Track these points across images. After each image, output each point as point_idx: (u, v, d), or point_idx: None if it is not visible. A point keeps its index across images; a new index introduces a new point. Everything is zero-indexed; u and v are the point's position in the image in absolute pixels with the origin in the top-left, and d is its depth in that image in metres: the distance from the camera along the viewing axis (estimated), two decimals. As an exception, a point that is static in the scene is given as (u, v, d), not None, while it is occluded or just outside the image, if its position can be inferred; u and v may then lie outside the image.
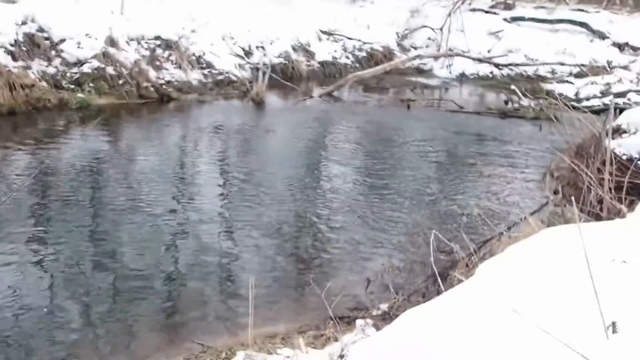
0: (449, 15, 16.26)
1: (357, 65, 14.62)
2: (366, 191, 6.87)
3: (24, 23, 9.87)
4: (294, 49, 13.82)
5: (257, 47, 13.19)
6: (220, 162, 7.66)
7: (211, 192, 6.54)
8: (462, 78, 15.13)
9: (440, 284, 3.85)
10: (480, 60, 15.34)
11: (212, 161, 7.62)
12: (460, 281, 3.38)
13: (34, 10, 10.03)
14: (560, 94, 11.82)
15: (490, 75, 15.23)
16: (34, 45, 9.80)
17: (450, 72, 15.39)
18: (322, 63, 14.20)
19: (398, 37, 16.60)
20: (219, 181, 6.90)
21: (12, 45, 9.43)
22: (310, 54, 14.20)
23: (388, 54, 15.31)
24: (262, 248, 5.28)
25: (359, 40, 15.32)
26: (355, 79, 12.75)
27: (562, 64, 15.34)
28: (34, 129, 8.36)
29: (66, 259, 4.77)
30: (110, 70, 10.11)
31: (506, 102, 12.00)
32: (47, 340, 3.76)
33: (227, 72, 11.89)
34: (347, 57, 14.88)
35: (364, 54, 15.13)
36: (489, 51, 16.14)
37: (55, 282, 4.46)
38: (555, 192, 5.32)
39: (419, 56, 15.09)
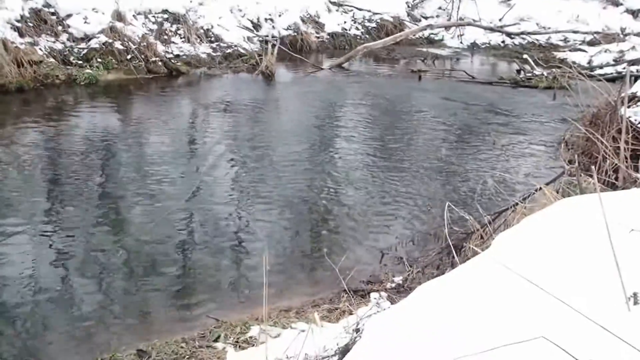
0: (460, -17, 15.94)
1: (367, 36, 14.42)
2: (378, 164, 6.82)
3: (30, -2, 9.79)
4: (303, 20, 13.63)
5: (265, 19, 13.03)
6: (231, 136, 7.61)
7: (222, 166, 6.51)
8: (474, 48, 14.90)
9: (455, 256, 3.82)
10: (491, 30, 15.06)
11: (222, 135, 7.57)
12: (475, 253, 3.34)
13: (40, -15, 9.94)
14: (574, 62, 11.58)
15: (502, 45, 14.97)
16: (40, 20, 9.73)
17: (461, 42, 15.16)
18: (331, 34, 14.02)
19: (408, 7, 16.32)
20: (229, 156, 6.86)
21: (18, 21, 9.36)
22: (319, 26, 14.02)
23: (398, 25, 15.06)
24: (274, 222, 5.26)
25: (369, 11, 15.08)
26: (365, 50, 12.58)
27: (575, 32, 15.01)
28: (43, 105, 8.34)
29: (78, 235, 4.78)
30: (118, 45, 10.04)
31: (518, 72, 11.81)
32: (61, 317, 3.78)
33: (235, 45, 11.77)
34: (357, 28, 14.67)
35: (373, 24, 14.91)
36: (500, 20, 15.84)
37: (67, 258, 4.47)
38: (570, 162, 5.24)
39: (429, 26, 14.82)
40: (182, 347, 3.29)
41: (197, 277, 4.37)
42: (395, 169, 6.65)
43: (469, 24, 15.05)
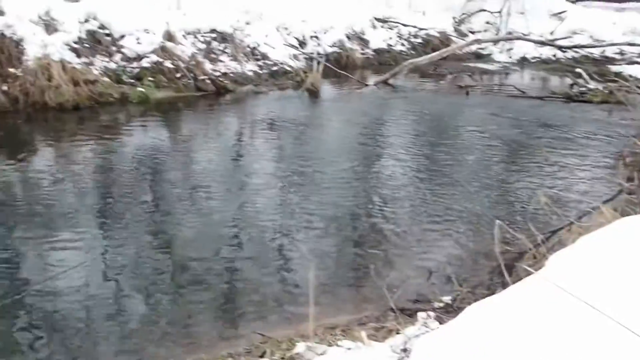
0: (508, -3, 15.74)
1: (413, 52, 14.38)
2: (426, 180, 6.72)
3: (86, 21, 10.14)
4: (348, 37, 13.70)
5: (311, 36, 13.15)
6: (277, 152, 7.66)
7: (268, 183, 6.54)
8: (523, 62, 14.65)
9: (506, 276, 3.70)
10: (542, 43, 14.77)
11: (268, 152, 7.63)
12: (528, 273, 3.22)
13: (96, 8, 10.29)
14: (630, 76, 11.22)
15: (554, 59, 14.67)
16: (95, 41, 10.07)
17: (510, 57, 14.94)
18: (376, 51, 14.04)
19: (455, 22, 16.22)
20: (275, 172, 6.89)
21: (75, 42, 9.71)
22: (364, 42, 14.06)
23: (445, 40, 14.97)
24: (320, 238, 5.23)
25: (415, 27, 15.05)
26: (411, 66, 12.52)
27: (632, 45, 14.57)
28: (97, 122, 8.60)
29: (127, 250, 4.85)
30: (168, 64, 10.29)
31: (572, 86, 11.51)
32: (110, 329, 3.83)
33: (281, 63, 11.90)
34: (402, 44, 14.65)
35: (419, 40, 14.86)
36: (551, 33, 15.53)
37: (117, 270, 4.54)
38: (629, 180, 5.03)
39: (477, 41, 14.66)
40: (227, 362, 3.29)
41: (243, 293, 4.36)
42: (443, 186, 6.54)
43: (518, 38, 14.81)
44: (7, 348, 3.59)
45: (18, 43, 9.09)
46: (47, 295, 4.13)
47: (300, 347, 3.32)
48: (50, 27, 9.62)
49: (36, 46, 9.08)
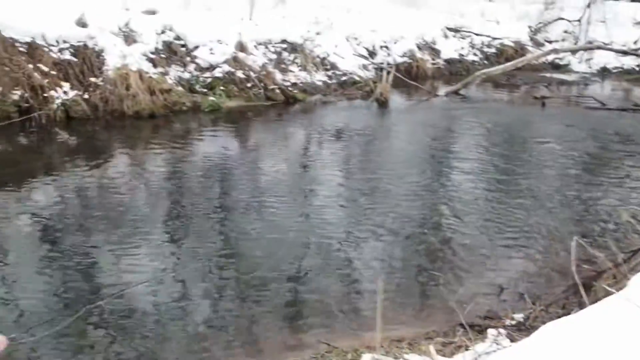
0: (588, 5, 15.13)
1: (486, 62, 14.07)
2: (498, 193, 6.52)
3: (162, 32, 10.51)
4: (418, 47, 13.56)
5: (381, 46, 13.10)
6: (345, 162, 7.64)
7: (336, 192, 6.52)
8: (604, 73, 14.04)
9: (584, 296, 3.51)
10: (625, 53, 14.09)
11: (336, 161, 7.62)
12: (607, 293, 3.04)
13: (172, 20, 10.65)
14: None
15: (637, 69, 13.95)
16: (171, 52, 10.41)
17: (590, 67, 14.35)
18: (447, 61, 13.83)
19: (531, 31, 15.75)
20: (343, 181, 6.88)
21: (152, 53, 10.07)
22: (435, 52, 13.88)
23: (520, 50, 14.56)
24: (389, 250, 5.15)
25: (488, 36, 14.73)
26: (484, 77, 12.24)
27: None
28: (171, 130, 8.86)
29: (197, 255, 4.94)
30: (239, 74, 10.50)
31: (656, 98, 10.92)
32: (178, 334, 3.89)
33: (350, 73, 11.91)
34: (475, 54, 14.36)
35: (493, 50, 14.53)
36: (635, 42, 14.80)
37: (185, 277, 4.61)
38: None
39: (554, 50, 14.15)
40: (294, 370, 3.27)
41: (310, 302, 4.35)
42: (516, 200, 6.32)
43: (599, 48, 14.20)
44: (86, 347, 3.72)
45: (99, 53, 9.52)
46: (120, 299, 4.25)
47: (365, 358, 3.26)
48: (129, 38, 10.03)
49: (116, 56, 9.48)
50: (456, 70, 13.67)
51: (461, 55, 14.14)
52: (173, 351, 3.72)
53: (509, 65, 12.72)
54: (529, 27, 15.83)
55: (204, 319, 4.07)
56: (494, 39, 14.75)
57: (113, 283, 4.42)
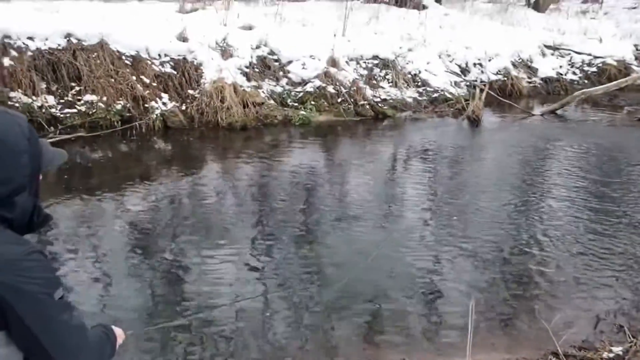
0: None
1: (586, 81, 13.42)
2: (596, 219, 6.17)
3: (257, 47, 10.82)
4: (514, 64, 13.16)
5: (474, 64, 12.81)
6: (434, 181, 7.50)
7: (423, 212, 6.41)
8: None
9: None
10: None
11: (425, 180, 7.49)
12: None
13: (267, 35, 10.96)
14: None
15: None
16: (265, 66, 10.69)
17: (701, 88, 13.34)
18: (544, 79, 13.30)
19: (637, 49, 14.88)
20: (431, 201, 6.75)
21: (247, 67, 10.39)
22: (532, 70, 13.40)
23: (623, 69, 13.78)
24: (479, 272, 4.99)
25: (589, 55, 14.06)
26: (583, 97, 11.66)
27: None
28: (261, 142, 9.07)
29: (280, 267, 4.99)
30: (330, 89, 10.60)
31: None
32: (260, 344, 3.92)
33: (442, 90, 11.72)
34: (574, 73, 13.74)
35: (594, 69, 13.84)
36: None
37: (268, 286, 4.67)
38: None
39: (661, 70, 13.31)
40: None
41: (393, 320, 4.27)
42: (615, 228, 5.95)
43: None
44: (174, 347, 3.85)
45: (197, 67, 9.93)
46: (205, 304, 4.38)
47: (451, 380, 3.15)
48: (226, 52, 10.40)
49: (213, 70, 9.85)
50: (554, 90, 13.12)
51: (559, 73, 13.57)
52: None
53: (611, 85, 12.07)
54: (635, 45, 14.98)
55: (285, 330, 4.09)
56: (596, 57, 14.06)
57: (203, 290, 4.55)
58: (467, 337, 2.73)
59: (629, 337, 4.03)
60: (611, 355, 3.81)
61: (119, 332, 1.66)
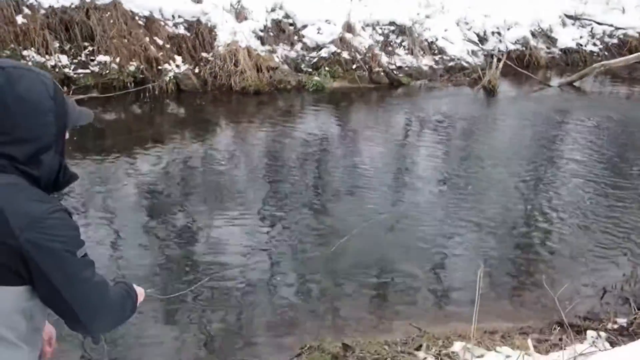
0: None
1: (606, 53, 13.14)
2: (607, 192, 6.13)
3: (272, 10, 10.69)
4: (533, 34, 12.90)
5: (492, 32, 12.59)
6: (446, 150, 7.46)
7: (434, 180, 6.40)
8: None
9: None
10: None
11: (437, 149, 7.45)
12: None
13: (283, -1, 10.82)
14: None
15: None
16: (279, 30, 10.58)
17: None
18: (564, 50, 13.04)
19: (660, 21, 14.52)
20: (443, 170, 6.73)
21: (261, 30, 10.29)
22: (551, 40, 13.14)
23: (645, 41, 13.48)
24: (489, 242, 5.01)
25: (611, 26, 13.74)
26: (602, 69, 11.44)
27: None
28: (274, 108, 9.04)
29: (290, 232, 5.03)
30: (345, 55, 10.48)
31: None
32: (271, 309, 3.98)
33: (459, 59, 11.56)
34: (595, 44, 13.45)
35: (615, 40, 13.54)
36: None
37: (277, 252, 4.71)
38: None
39: (685, 43, 13.00)
40: (384, 349, 3.26)
41: (403, 287, 4.32)
42: (626, 201, 5.92)
43: None
44: (186, 313, 3.91)
45: (211, 29, 9.85)
46: (213, 268, 4.44)
47: (457, 346, 3.20)
48: (240, 14, 10.28)
49: (227, 33, 9.77)
50: (572, 61, 12.88)
51: (579, 44, 13.30)
52: (265, 321, 3.83)
53: (632, 57, 11.82)
54: (659, 17, 14.62)
55: (295, 296, 4.15)
56: (617, 28, 13.75)
57: (211, 254, 4.61)
58: (474, 305, 2.75)
59: (634, 309, 4.04)
60: (615, 326, 3.83)
61: (140, 290, 1.69)
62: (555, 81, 11.48)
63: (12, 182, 1.36)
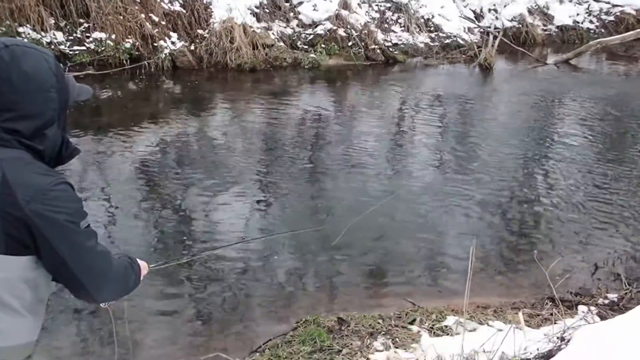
0: None
1: (603, 30, 13.13)
2: (601, 169, 6.19)
3: (269, -14, 10.61)
4: (529, 11, 12.87)
5: (489, 9, 12.55)
6: (442, 127, 7.50)
7: (430, 157, 6.45)
8: None
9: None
10: None
11: (433, 126, 7.48)
12: None
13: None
14: None
15: None
16: (275, 7, 10.52)
17: None
18: (560, 27, 13.03)
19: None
20: (438, 147, 6.77)
21: (257, 7, 10.22)
22: (547, 18, 13.11)
23: (642, 18, 13.46)
24: (483, 218, 5.07)
25: (607, 3, 13.70)
26: (599, 46, 11.46)
27: None
28: (270, 85, 9.03)
29: (286, 207, 5.08)
30: (341, 32, 10.45)
31: None
32: (264, 282, 4.03)
33: (455, 36, 11.54)
34: (591, 22, 13.43)
35: (611, 18, 13.52)
36: None
37: (274, 227, 4.76)
38: None
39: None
40: (378, 323, 3.33)
41: (398, 262, 4.37)
42: (621, 177, 5.98)
43: None
44: (183, 290, 3.97)
45: (207, 6, 9.79)
46: (210, 242, 4.49)
47: (450, 320, 3.27)
48: (236, -8, 10.21)
49: (222, 9, 9.71)
50: (569, 38, 12.88)
51: (576, 22, 13.27)
52: (261, 297, 3.88)
53: (629, 34, 11.82)
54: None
55: (290, 271, 4.21)
56: (614, 5, 13.71)
57: (209, 229, 4.66)
58: (467, 280, 2.81)
59: (625, 285, 4.12)
60: (606, 301, 3.91)
61: (143, 264, 1.74)
62: (551, 59, 11.47)
63: (18, 156, 1.41)
